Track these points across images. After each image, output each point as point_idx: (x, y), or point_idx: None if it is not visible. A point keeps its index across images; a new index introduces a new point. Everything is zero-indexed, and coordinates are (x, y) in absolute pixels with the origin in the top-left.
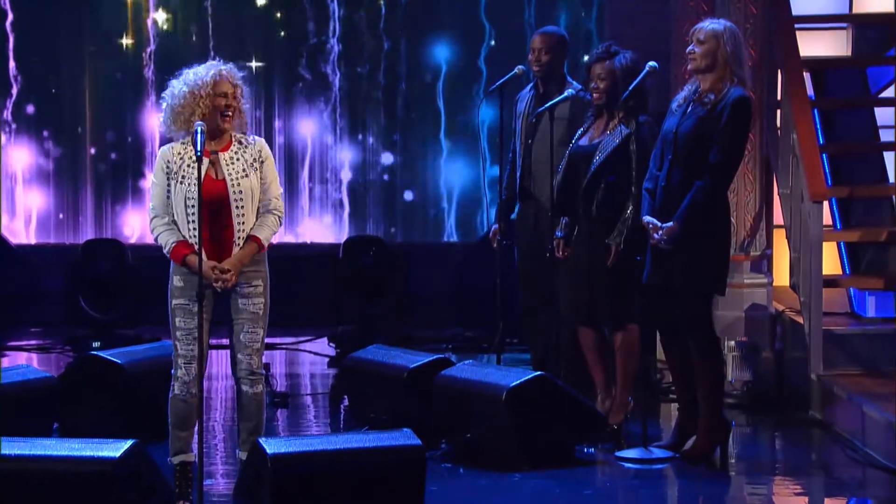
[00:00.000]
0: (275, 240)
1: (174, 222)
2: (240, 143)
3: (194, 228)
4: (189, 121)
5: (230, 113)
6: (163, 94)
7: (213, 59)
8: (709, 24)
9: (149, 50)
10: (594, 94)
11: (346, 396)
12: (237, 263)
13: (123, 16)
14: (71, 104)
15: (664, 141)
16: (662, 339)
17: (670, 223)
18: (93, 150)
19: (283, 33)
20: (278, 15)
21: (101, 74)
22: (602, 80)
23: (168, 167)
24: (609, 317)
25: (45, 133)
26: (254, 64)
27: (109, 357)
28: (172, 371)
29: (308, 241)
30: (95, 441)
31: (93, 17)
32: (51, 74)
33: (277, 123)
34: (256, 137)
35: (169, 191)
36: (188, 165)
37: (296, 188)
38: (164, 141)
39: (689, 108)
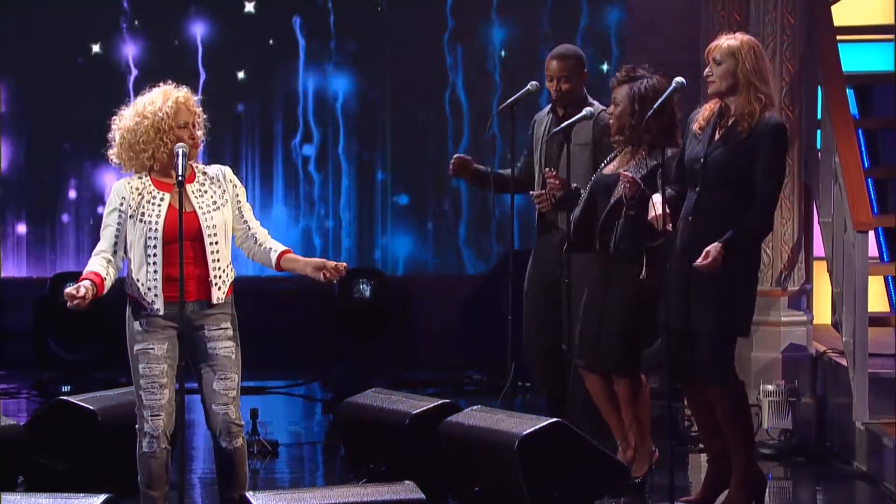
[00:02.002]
0: (263, 272)
1: (110, 261)
2: (204, 173)
3: (155, 271)
4: (154, 157)
5: (195, 145)
6: (113, 126)
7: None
8: (724, 42)
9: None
10: (610, 121)
11: (341, 445)
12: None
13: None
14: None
15: (688, 169)
16: (682, 387)
17: (716, 244)
18: (64, 175)
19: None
20: None
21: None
22: (617, 105)
23: (122, 205)
24: (612, 362)
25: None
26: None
27: (81, 402)
28: (137, 426)
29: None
30: (65, 496)
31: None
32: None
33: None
34: (220, 167)
35: (119, 231)
36: (147, 202)
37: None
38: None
39: (717, 136)
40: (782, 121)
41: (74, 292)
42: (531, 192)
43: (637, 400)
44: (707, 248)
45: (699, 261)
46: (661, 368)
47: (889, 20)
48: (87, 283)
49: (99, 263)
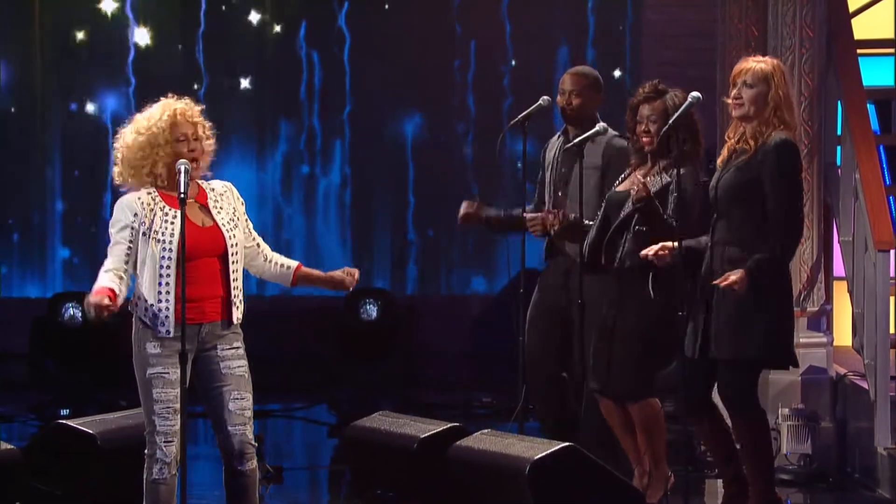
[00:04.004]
0: (265, 292)
1: (122, 278)
2: (212, 189)
3: (167, 292)
4: (153, 173)
5: (195, 157)
6: (115, 145)
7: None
8: (756, 65)
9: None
10: (644, 138)
11: (347, 470)
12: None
13: None
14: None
15: (710, 199)
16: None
17: (738, 271)
18: (59, 193)
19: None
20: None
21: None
22: (654, 122)
23: (135, 221)
24: (623, 387)
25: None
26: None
27: (80, 426)
28: (147, 451)
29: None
30: None
31: None
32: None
33: None
34: (224, 182)
35: (130, 248)
36: (161, 219)
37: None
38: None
39: (730, 159)
40: (790, 138)
41: (100, 301)
42: (525, 214)
43: (651, 424)
44: (729, 273)
45: (719, 280)
46: (677, 391)
47: (889, 34)
48: (105, 298)
49: (111, 279)
